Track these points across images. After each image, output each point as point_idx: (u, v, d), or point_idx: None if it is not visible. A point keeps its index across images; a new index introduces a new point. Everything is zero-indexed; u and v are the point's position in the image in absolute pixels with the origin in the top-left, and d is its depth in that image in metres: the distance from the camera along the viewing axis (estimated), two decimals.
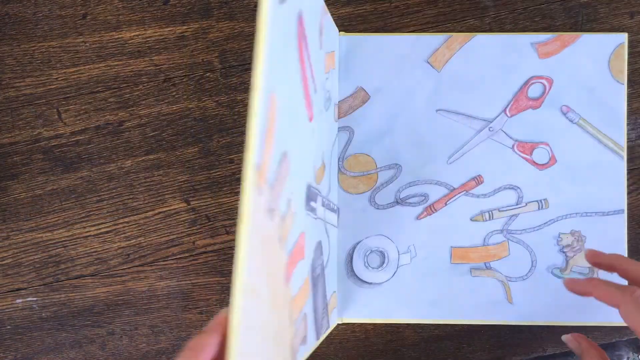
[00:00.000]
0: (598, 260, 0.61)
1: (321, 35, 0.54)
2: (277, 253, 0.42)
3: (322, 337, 0.60)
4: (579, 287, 0.57)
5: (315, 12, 0.50)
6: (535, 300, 0.67)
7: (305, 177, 0.50)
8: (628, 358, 0.70)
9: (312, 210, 0.53)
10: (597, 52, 0.67)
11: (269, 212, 0.39)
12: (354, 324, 0.68)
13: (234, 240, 0.67)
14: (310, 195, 0.52)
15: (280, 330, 0.42)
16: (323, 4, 0.55)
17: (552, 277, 0.67)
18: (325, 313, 0.60)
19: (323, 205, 0.58)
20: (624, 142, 0.67)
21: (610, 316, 0.66)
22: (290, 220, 0.45)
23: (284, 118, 0.41)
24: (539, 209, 0.67)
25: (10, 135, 0.68)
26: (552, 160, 0.67)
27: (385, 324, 0.68)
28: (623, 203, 0.67)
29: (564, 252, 0.67)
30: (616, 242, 0.67)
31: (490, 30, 0.69)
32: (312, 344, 0.54)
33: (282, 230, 0.43)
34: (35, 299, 0.68)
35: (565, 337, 0.62)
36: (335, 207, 0.66)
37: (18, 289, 0.68)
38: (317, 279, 0.55)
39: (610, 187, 0.67)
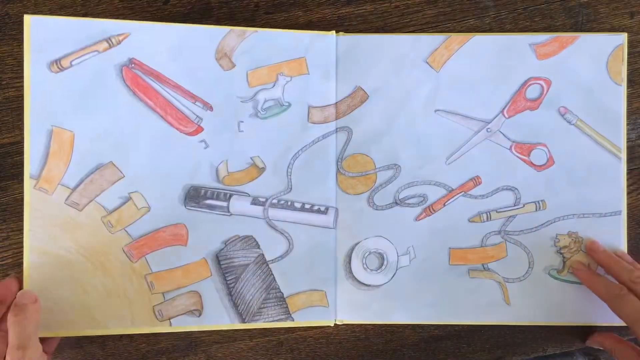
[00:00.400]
0: (595, 255, 0.66)
1: (226, 58, 0.66)
2: (99, 232, 0.64)
3: (269, 326, 0.67)
4: (580, 276, 0.66)
5: (197, 47, 0.66)
6: (533, 302, 0.67)
7: (182, 180, 0.66)
8: None
9: (211, 207, 0.66)
10: (595, 53, 0.67)
11: (71, 205, 0.64)
12: (354, 324, 0.68)
13: None
14: (204, 194, 0.66)
15: (120, 287, 0.64)
16: (225, 32, 0.66)
17: (549, 279, 0.67)
18: (274, 305, 0.67)
19: (257, 204, 0.67)
20: (621, 144, 0.67)
21: (609, 316, 0.66)
22: (133, 212, 0.65)
23: (98, 141, 0.64)
24: (536, 210, 0.67)
25: (10, 135, 0.68)
26: (550, 161, 0.67)
27: (386, 324, 0.68)
28: (621, 204, 0.67)
29: (561, 254, 0.67)
30: (613, 243, 0.67)
31: (490, 30, 0.69)
32: (225, 322, 0.66)
33: (114, 217, 0.64)
34: None
35: (590, 341, 0.67)
36: (323, 208, 0.67)
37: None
38: (237, 268, 0.66)
39: (608, 188, 0.67)
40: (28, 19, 0.63)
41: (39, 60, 0.63)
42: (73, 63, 0.64)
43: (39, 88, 0.63)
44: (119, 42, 0.64)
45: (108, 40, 0.64)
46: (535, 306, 0.67)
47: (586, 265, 0.66)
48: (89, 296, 0.64)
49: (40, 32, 0.63)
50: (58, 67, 0.63)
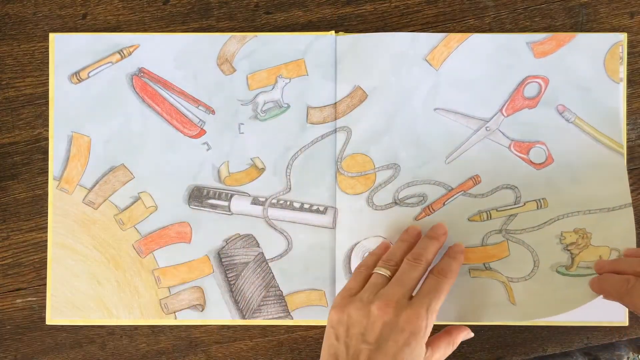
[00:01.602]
0: (603, 270, 0.63)
1: (227, 63, 0.69)
2: (112, 229, 0.69)
3: (269, 323, 0.68)
4: (594, 288, 0.63)
5: (201, 54, 0.69)
6: (540, 300, 0.66)
7: (186, 180, 0.69)
8: (628, 358, 0.70)
9: (213, 206, 0.69)
10: (592, 51, 0.67)
11: (88, 204, 0.68)
12: None
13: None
14: (206, 194, 0.69)
15: (130, 281, 0.68)
16: (226, 38, 0.69)
17: (557, 276, 0.66)
18: (273, 302, 0.68)
19: (257, 204, 0.69)
20: (622, 140, 0.67)
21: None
22: (142, 211, 0.69)
23: (111, 145, 0.69)
24: (537, 208, 0.67)
25: (10, 135, 0.68)
26: (549, 159, 0.67)
27: None
28: (629, 197, 0.66)
29: (568, 250, 0.66)
30: (624, 234, 0.66)
31: (490, 30, 0.69)
32: (226, 317, 0.68)
33: (125, 215, 0.69)
34: (35, 299, 0.68)
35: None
36: (322, 208, 0.68)
37: (18, 289, 0.68)
38: (237, 265, 0.68)
39: (613, 183, 0.66)
40: (53, 36, 0.69)
41: (61, 73, 0.69)
42: (90, 74, 0.69)
43: (61, 98, 0.69)
44: (130, 54, 0.69)
45: (120, 52, 0.69)
46: (543, 304, 0.66)
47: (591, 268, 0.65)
48: (103, 288, 0.68)
49: (63, 48, 0.69)
50: (77, 79, 0.69)
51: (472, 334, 0.64)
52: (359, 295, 0.59)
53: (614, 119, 0.67)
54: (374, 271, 0.61)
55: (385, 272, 0.60)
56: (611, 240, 0.66)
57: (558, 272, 0.66)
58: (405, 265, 0.60)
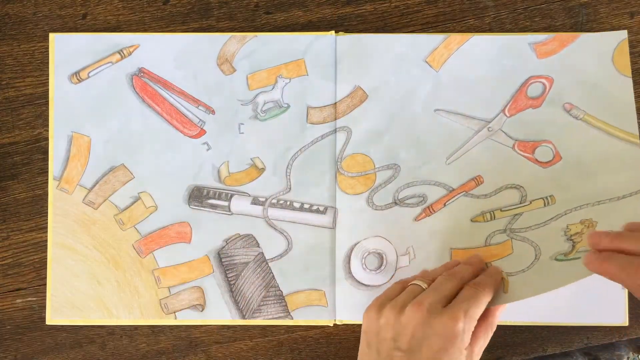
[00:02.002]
0: (601, 246, 0.54)
1: (227, 63, 0.69)
2: (112, 229, 0.68)
3: (269, 323, 0.68)
4: (591, 267, 0.53)
5: (201, 54, 0.69)
6: (531, 285, 0.64)
7: (186, 180, 0.69)
8: (628, 358, 0.70)
9: (213, 206, 0.69)
10: (599, 49, 0.67)
11: (88, 204, 0.68)
12: (354, 324, 0.68)
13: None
14: (206, 194, 0.69)
15: (130, 280, 0.68)
16: (226, 38, 0.69)
17: (555, 263, 0.66)
18: (273, 302, 0.68)
19: (257, 204, 0.69)
20: (637, 130, 0.66)
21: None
22: (142, 211, 0.68)
23: (111, 145, 0.69)
24: (545, 205, 0.66)
25: (10, 135, 0.68)
26: (557, 157, 0.67)
27: None
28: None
29: (571, 240, 0.66)
30: (630, 220, 0.64)
31: (490, 30, 0.69)
32: (226, 317, 0.68)
33: (125, 215, 0.68)
34: (35, 299, 0.68)
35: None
36: (322, 208, 0.68)
37: (18, 289, 0.68)
38: (237, 265, 0.68)
39: (625, 173, 0.66)
40: (53, 36, 0.69)
41: (61, 73, 0.69)
42: (90, 74, 0.69)
43: (61, 98, 0.69)
44: (130, 54, 0.69)
45: (120, 52, 0.69)
46: (533, 285, 0.64)
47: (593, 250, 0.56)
48: (103, 288, 0.68)
49: (63, 48, 0.69)
50: (77, 79, 0.69)
51: (506, 306, 0.63)
52: (394, 299, 0.59)
53: (628, 111, 0.67)
54: (411, 282, 0.61)
55: (422, 284, 0.60)
56: (615, 227, 0.64)
57: (557, 259, 0.65)
58: (440, 278, 0.60)
